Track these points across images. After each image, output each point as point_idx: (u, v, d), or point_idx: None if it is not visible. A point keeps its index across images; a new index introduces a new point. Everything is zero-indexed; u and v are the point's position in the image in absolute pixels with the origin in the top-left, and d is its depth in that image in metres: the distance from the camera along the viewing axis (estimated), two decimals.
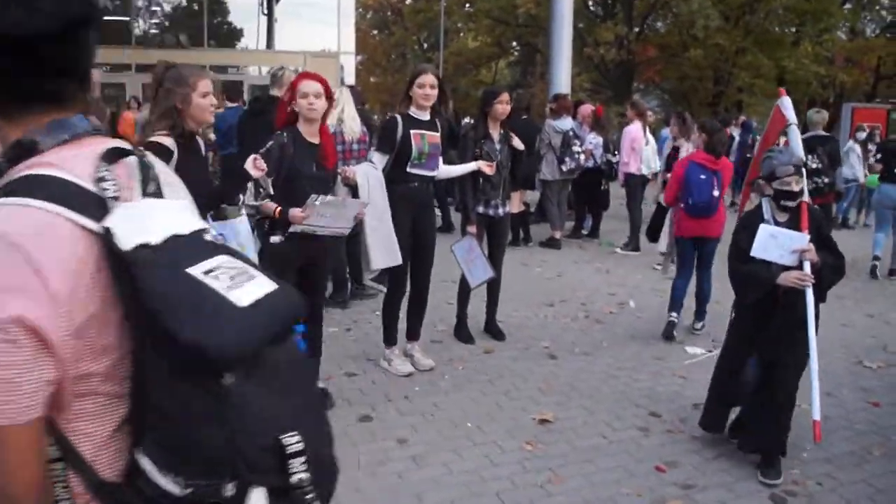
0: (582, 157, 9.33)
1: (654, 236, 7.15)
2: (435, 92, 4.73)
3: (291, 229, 3.89)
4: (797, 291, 3.71)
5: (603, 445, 4.05)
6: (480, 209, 5.49)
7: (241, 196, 3.88)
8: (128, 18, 20.57)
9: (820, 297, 3.81)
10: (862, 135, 12.68)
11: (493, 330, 5.86)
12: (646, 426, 4.33)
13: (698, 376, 5.07)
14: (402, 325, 5.21)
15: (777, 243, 3.76)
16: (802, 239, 3.74)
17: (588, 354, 5.53)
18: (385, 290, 6.44)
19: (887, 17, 27.03)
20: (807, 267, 3.70)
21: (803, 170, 3.88)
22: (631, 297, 7.19)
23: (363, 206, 4.20)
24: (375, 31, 38.37)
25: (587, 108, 10.33)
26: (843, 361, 5.63)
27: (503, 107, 5.39)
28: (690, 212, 5.84)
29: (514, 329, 6.02)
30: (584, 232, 10.36)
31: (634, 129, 9.59)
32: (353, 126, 6.05)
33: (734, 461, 3.92)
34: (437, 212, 11.00)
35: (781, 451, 3.79)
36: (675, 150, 7.86)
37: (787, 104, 4.28)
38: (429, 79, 4.71)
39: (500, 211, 5.60)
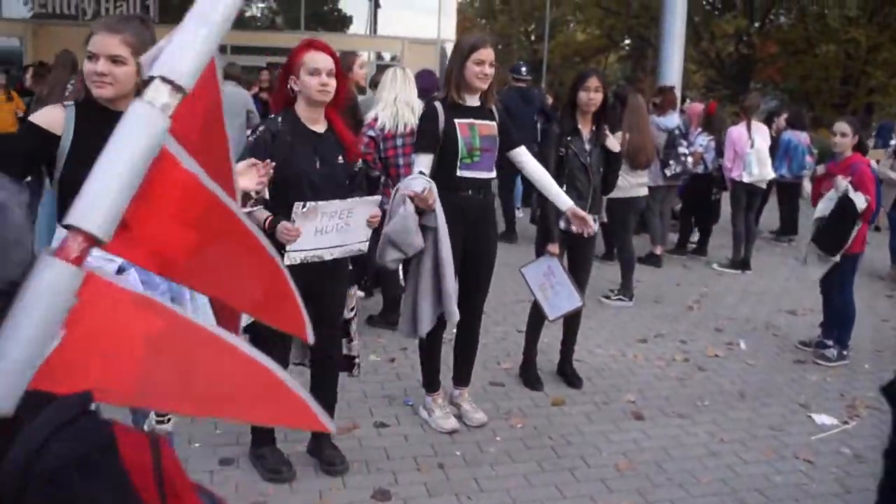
0: (689, 160, 8.02)
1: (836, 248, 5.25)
2: (493, 72, 3.70)
3: (287, 259, 2.95)
4: None
5: None
6: (563, 224, 4.43)
7: None
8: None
9: None
10: None
11: (567, 372, 4.78)
12: None
13: (827, 461, 3.89)
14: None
15: None
16: None
17: (684, 417, 4.36)
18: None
19: None
20: None
21: None
22: (741, 335, 5.92)
23: (375, 204, 3.23)
24: (483, 20, 37.35)
25: (697, 106, 9.05)
26: None
27: (588, 95, 4.32)
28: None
29: (594, 373, 4.92)
30: (690, 248, 9.04)
31: (736, 130, 8.19)
32: (405, 114, 5.05)
33: None
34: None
35: None
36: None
37: None
38: (489, 54, 3.66)
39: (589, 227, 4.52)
